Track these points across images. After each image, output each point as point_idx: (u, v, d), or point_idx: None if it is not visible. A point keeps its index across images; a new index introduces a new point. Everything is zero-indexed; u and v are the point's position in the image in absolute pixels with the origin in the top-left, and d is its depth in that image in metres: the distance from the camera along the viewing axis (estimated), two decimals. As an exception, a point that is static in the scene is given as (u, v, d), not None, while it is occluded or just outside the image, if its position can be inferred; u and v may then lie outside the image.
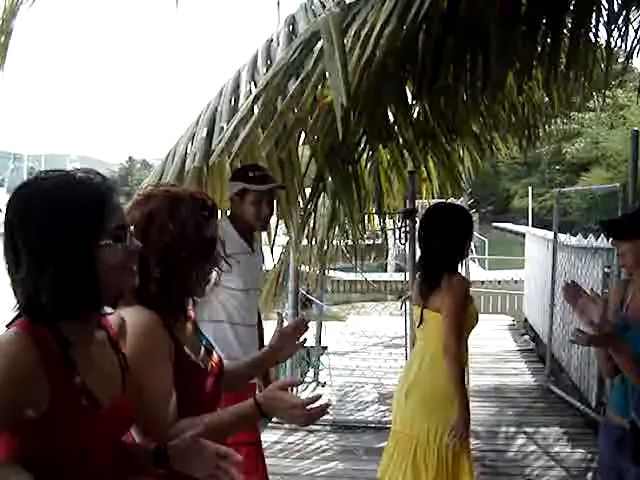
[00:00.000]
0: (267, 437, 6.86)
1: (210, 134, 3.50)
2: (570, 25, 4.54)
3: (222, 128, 3.47)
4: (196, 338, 2.41)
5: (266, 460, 6.33)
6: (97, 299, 1.81)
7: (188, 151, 3.70)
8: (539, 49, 4.38)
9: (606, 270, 8.26)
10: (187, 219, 2.21)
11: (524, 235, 16.22)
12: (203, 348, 2.41)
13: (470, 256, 19.43)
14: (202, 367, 2.34)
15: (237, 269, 3.45)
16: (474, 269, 18.61)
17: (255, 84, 3.61)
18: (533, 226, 22.66)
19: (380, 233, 6.72)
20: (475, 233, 23.15)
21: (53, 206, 1.70)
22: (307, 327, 2.87)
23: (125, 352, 2.04)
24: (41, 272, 1.69)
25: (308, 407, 2.20)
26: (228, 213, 4.03)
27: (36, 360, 1.67)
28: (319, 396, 2.28)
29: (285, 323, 7.93)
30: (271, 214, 3.99)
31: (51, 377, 1.69)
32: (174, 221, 2.18)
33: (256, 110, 3.15)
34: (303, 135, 3.68)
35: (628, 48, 4.32)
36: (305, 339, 2.84)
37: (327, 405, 2.25)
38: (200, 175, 3.53)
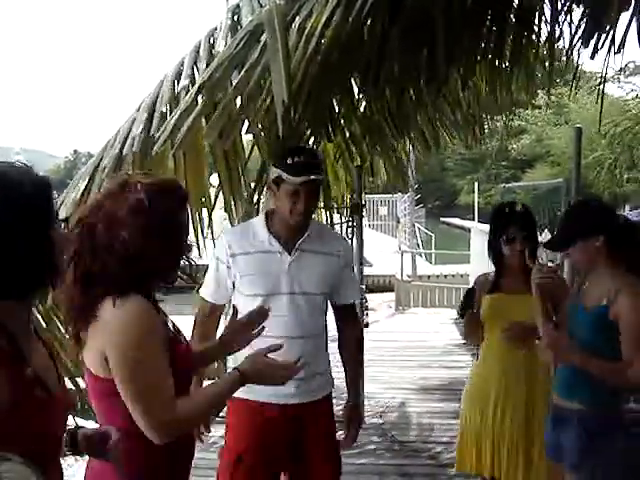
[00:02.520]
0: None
1: (150, 120, 3.46)
2: (514, 21, 4.60)
3: (162, 113, 3.43)
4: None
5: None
6: (46, 280, 1.86)
7: (128, 137, 3.64)
8: (483, 45, 4.43)
9: (549, 264, 8.40)
10: (163, 208, 2.25)
11: (470, 230, 16.42)
12: (172, 326, 2.45)
13: (416, 251, 19.64)
14: (188, 346, 2.46)
15: (253, 269, 3.37)
16: (421, 263, 18.78)
17: (198, 71, 3.58)
18: (479, 221, 22.91)
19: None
20: (422, 228, 23.43)
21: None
22: (266, 316, 2.86)
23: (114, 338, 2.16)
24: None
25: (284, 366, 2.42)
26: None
27: None
28: (279, 345, 2.50)
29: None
30: (309, 209, 3.42)
31: (5, 371, 1.69)
32: (151, 210, 2.22)
33: (200, 100, 3.12)
34: (247, 125, 3.63)
35: (568, 45, 4.38)
36: (263, 328, 2.82)
37: (298, 359, 2.45)
38: (142, 161, 3.47)
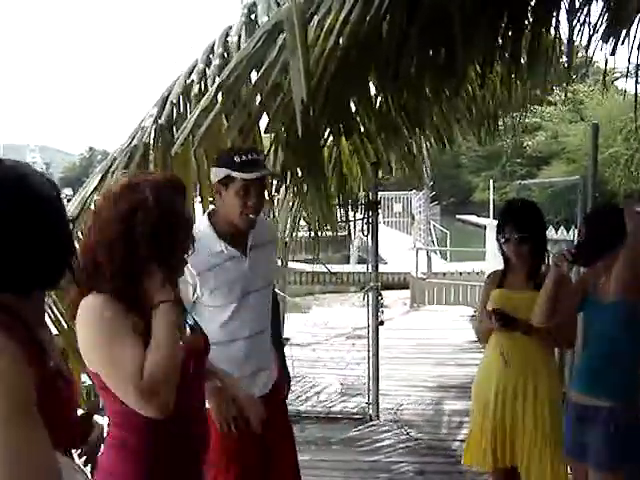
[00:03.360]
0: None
1: (170, 121, 3.48)
2: (531, 18, 4.59)
3: (172, 108, 3.44)
4: (181, 318, 2.49)
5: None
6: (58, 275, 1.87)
7: (145, 133, 3.66)
8: (500, 42, 4.43)
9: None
10: (170, 204, 2.34)
11: (485, 227, 16.36)
12: (188, 328, 2.53)
13: (431, 248, 19.60)
14: (182, 346, 2.41)
15: (220, 282, 3.33)
16: (436, 261, 18.73)
17: (212, 68, 3.58)
18: (494, 218, 22.85)
19: (343, 224, 6.72)
20: (437, 225, 23.40)
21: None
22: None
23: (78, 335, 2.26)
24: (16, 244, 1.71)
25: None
26: (206, 210, 3.67)
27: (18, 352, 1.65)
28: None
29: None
30: (260, 207, 3.39)
31: (33, 365, 1.69)
32: (160, 207, 2.29)
33: (219, 99, 3.13)
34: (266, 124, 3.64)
35: (585, 42, 4.37)
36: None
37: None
38: (164, 160, 3.48)
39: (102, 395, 2.36)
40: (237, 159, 3.23)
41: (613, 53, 4.05)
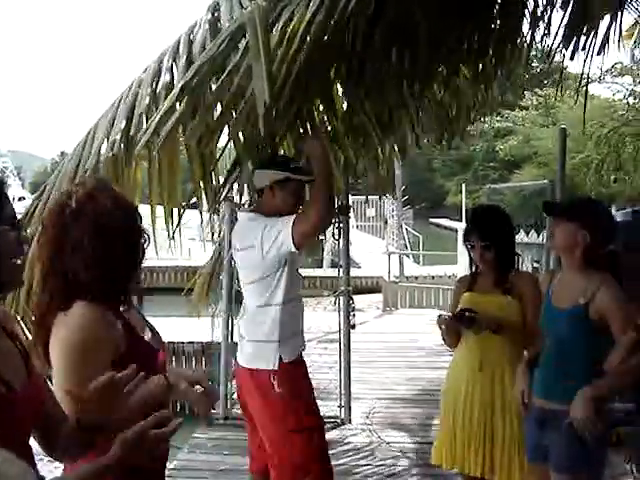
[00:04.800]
0: (202, 433, 6.85)
1: (129, 122, 3.46)
2: (498, 23, 4.62)
3: (141, 115, 3.44)
4: (140, 319, 2.59)
5: (199, 457, 6.37)
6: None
7: (105, 139, 3.65)
8: (466, 46, 4.46)
9: (535, 265, 8.46)
10: (128, 206, 2.47)
11: (457, 231, 16.45)
12: (148, 329, 2.59)
13: (404, 252, 19.67)
14: (153, 347, 2.53)
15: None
16: (409, 265, 18.81)
17: (177, 69, 3.58)
18: (467, 222, 22.94)
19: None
20: (409, 229, 23.46)
21: None
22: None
23: (56, 343, 2.30)
24: None
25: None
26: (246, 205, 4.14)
27: None
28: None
29: (219, 321, 7.92)
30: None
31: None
32: (118, 221, 2.38)
33: (178, 106, 3.13)
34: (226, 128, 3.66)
35: (549, 47, 4.41)
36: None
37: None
38: (117, 162, 3.49)
39: None
40: (292, 165, 3.91)
41: (572, 58, 4.11)
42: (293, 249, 3.81)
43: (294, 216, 3.81)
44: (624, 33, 5.12)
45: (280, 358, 3.98)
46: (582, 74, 4.38)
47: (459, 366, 4.31)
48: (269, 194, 3.94)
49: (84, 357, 2.30)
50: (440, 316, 4.20)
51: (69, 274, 2.35)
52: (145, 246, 2.53)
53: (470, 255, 4.30)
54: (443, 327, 4.21)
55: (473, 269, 4.36)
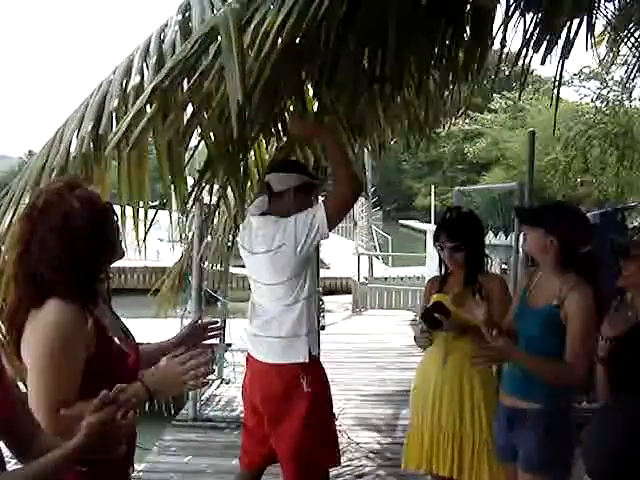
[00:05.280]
0: (170, 435, 6.83)
1: (98, 121, 3.45)
2: (470, 26, 4.64)
3: (111, 111, 3.43)
4: (115, 321, 2.60)
5: (167, 458, 6.34)
6: None
7: (74, 138, 3.63)
8: (437, 50, 4.48)
9: (503, 266, 8.52)
10: (97, 205, 2.45)
11: (426, 232, 16.51)
12: (121, 331, 2.59)
13: (374, 253, 19.73)
14: (124, 350, 2.52)
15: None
16: (378, 266, 18.87)
17: (148, 69, 3.56)
18: (435, 224, 23.06)
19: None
20: (379, 230, 23.53)
21: None
22: (219, 329, 3.03)
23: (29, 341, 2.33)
24: None
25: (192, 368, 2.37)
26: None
27: None
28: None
29: (188, 321, 7.88)
30: None
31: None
32: (86, 221, 2.38)
33: (149, 108, 3.12)
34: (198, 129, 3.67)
35: (518, 50, 4.45)
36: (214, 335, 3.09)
37: (211, 351, 2.46)
38: (86, 161, 3.48)
39: None
40: (313, 172, 4.43)
41: (543, 62, 4.14)
42: (327, 232, 3.96)
43: (321, 200, 4.11)
44: (594, 38, 5.18)
45: (309, 351, 4.07)
46: (555, 78, 4.41)
47: (427, 365, 4.35)
48: (289, 197, 4.07)
49: (60, 356, 2.31)
50: (416, 320, 4.23)
51: (37, 273, 2.35)
52: (119, 246, 2.55)
53: (440, 256, 4.34)
54: (418, 326, 4.28)
55: (443, 270, 4.40)
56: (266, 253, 4.07)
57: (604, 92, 20.62)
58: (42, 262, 2.35)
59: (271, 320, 4.16)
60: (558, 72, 4.29)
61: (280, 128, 4.48)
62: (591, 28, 4.37)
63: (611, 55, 8.65)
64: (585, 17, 4.18)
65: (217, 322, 3.09)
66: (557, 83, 4.45)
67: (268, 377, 4.15)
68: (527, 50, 4.35)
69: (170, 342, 3.00)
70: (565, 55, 4.13)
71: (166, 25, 3.75)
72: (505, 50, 4.83)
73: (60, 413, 2.26)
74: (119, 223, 2.63)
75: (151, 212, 3.82)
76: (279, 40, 3.04)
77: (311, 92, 4.46)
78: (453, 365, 4.19)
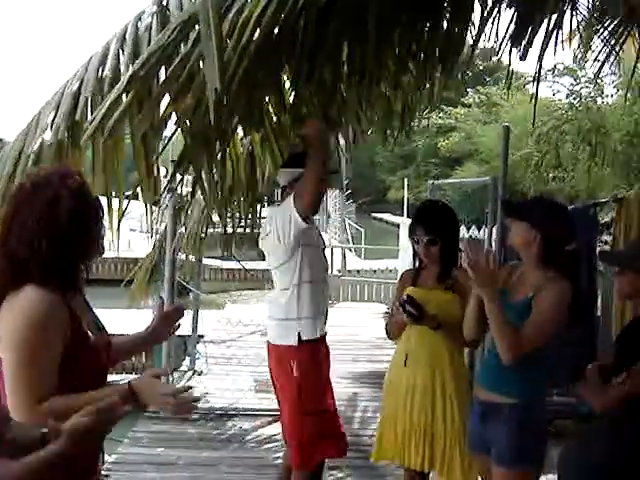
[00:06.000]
0: (142, 427, 6.79)
1: (73, 110, 3.42)
2: (446, 20, 4.65)
3: (87, 99, 3.40)
4: (87, 312, 2.56)
5: (139, 449, 6.31)
6: None
7: (49, 124, 3.60)
8: (414, 44, 4.49)
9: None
10: (81, 193, 2.42)
11: (399, 226, 16.55)
12: (94, 324, 2.56)
13: (346, 245, 19.75)
14: (94, 342, 2.48)
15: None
16: (350, 258, 18.88)
17: (124, 57, 3.53)
18: (408, 217, 23.13)
19: (257, 221, 6.69)
20: (352, 223, 23.56)
21: None
22: (183, 312, 3.05)
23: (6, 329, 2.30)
24: None
25: (178, 396, 2.34)
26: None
27: None
28: (189, 387, 2.49)
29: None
30: None
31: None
32: (73, 197, 2.37)
33: (124, 97, 3.10)
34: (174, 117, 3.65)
35: (496, 46, 4.46)
36: (180, 324, 3.02)
37: (197, 398, 2.41)
38: (61, 149, 3.45)
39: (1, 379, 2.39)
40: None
41: (523, 58, 4.16)
42: (302, 223, 4.19)
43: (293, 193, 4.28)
44: (566, 35, 5.22)
45: (299, 336, 4.32)
46: (532, 73, 4.44)
47: (399, 359, 4.34)
48: (290, 190, 4.35)
49: (39, 347, 2.29)
50: (388, 312, 4.22)
51: (14, 255, 2.34)
52: (100, 243, 2.53)
53: (415, 249, 4.33)
54: (390, 316, 4.28)
55: (417, 264, 4.39)
56: (263, 238, 4.55)
57: (577, 88, 20.78)
58: (20, 244, 2.33)
59: (271, 302, 4.56)
60: (537, 67, 4.31)
61: (258, 119, 4.48)
62: (569, 24, 4.40)
63: (584, 51, 8.71)
64: (565, 13, 4.21)
65: (182, 307, 3.06)
66: (537, 78, 4.48)
67: (271, 358, 4.56)
68: (505, 45, 4.37)
69: (142, 334, 2.98)
70: (543, 50, 4.15)
71: (142, 13, 3.72)
72: (480, 45, 4.85)
73: (41, 406, 2.25)
74: (104, 221, 2.60)
75: (123, 202, 3.81)
76: (257, 30, 3.03)
77: (288, 84, 4.46)
78: (424, 360, 4.20)
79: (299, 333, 4.31)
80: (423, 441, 4.17)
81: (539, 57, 4.13)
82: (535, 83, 4.65)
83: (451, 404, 4.15)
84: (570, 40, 7.85)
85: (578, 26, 6.66)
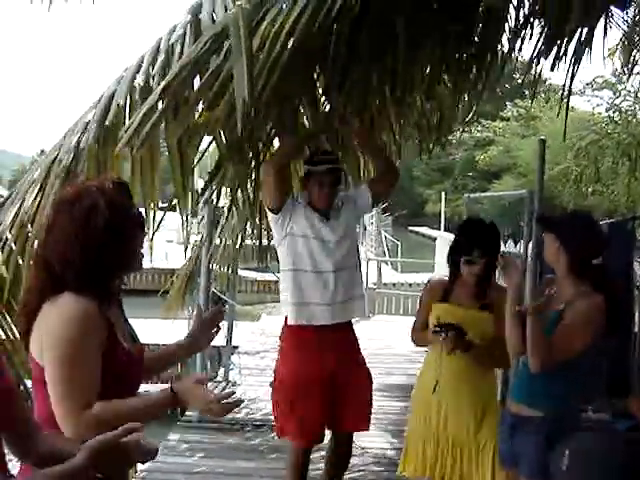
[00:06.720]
0: (174, 436, 6.82)
1: (106, 115, 3.46)
2: (479, 32, 4.64)
3: (118, 109, 3.44)
4: (123, 323, 2.56)
5: (172, 459, 6.34)
6: None
7: (86, 131, 3.65)
8: (449, 54, 4.48)
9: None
10: (121, 204, 2.43)
11: (435, 239, 16.46)
12: (129, 335, 2.56)
13: (383, 258, 19.70)
14: (131, 353, 2.49)
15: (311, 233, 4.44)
16: (387, 271, 18.83)
17: (154, 69, 3.57)
18: (448, 230, 23.02)
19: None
20: (388, 236, 23.51)
21: None
22: (223, 316, 3.11)
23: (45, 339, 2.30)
24: None
25: (222, 402, 2.35)
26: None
27: None
28: (232, 392, 2.48)
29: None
30: (331, 195, 4.49)
31: None
32: (111, 209, 2.37)
33: (160, 105, 3.13)
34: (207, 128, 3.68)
35: (529, 57, 4.43)
36: (219, 327, 3.03)
37: (240, 400, 2.45)
38: (97, 157, 3.50)
39: (35, 387, 2.41)
40: (315, 158, 4.46)
41: (552, 69, 4.13)
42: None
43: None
44: (609, 49, 5.20)
45: (286, 317, 4.61)
46: (565, 85, 4.40)
47: (430, 373, 4.31)
48: (305, 187, 4.56)
49: (80, 356, 2.31)
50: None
51: (53, 265, 2.36)
52: (137, 259, 2.55)
53: (456, 266, 4.22)
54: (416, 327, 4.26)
55: (451, 278, 4.30)
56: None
57: (617, 102, 20.57)
58: (56, 254, 2.36)
59: None
60: (568, 79, 4.28)
61: (291, 129, 4.50)
62: (604, 37, 4.37)
63: (624, 65, 8.63)
64: (597, 25, 4.17)
65: (221, 310, 3.10)
66: (567, 90, 4.43)
67: None
68: (538, 57, 4.34)
69: (180, 342, 2.98)
70: (577, 61, 4.12)
71: (175, 27, 3.76)
72: (519, 58, 4.83)
73: (88, 413, 2.26)
74: (145, 237, 2.63)
75: (159, 213, 3.84)
76: (290, 41, 3.05)
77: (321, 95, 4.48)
78: (454, 382, 4.16)
79: (287, 315, 4.60)
80: (452, 456, 4.14)
81: (569, 70, 4.10)
82: (565, 95, 4.59)
83: (481, 421, 4.11)
84: (613, 54, 7.81)
85: (621, 40, 6.62)
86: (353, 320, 4.93)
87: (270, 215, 4.52)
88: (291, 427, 4.67)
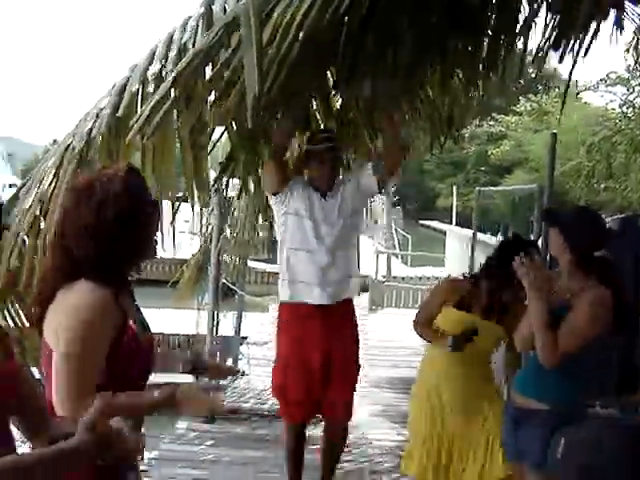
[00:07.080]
0: (183, 424, 6.86)
1: (118, 104, 3.48)
2: (492, 28, 4.64)
3: (131, 97, 3.46)
4: (134, 311, 2.57)
5: (180, 447, 6.38)
6: None
7: (98, 119, 3.67)
8: (460, 47, 4.47)
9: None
10: (137, 191, 2.45)
11: (446, 233, 16.46)
12: (139, 323, 2.56)
13: (393, 252, 19.71)
14: (141, 342, 2.50)
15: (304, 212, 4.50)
16: (396, 265, 18.83)
17: (167, 60, 3.59)
18: (459, 225, 22.98)
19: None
20: (399, 229, 23.48)
21: None
22: (234, 374, 3.13)
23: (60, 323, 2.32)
24: None
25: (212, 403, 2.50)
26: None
27: None
28: (238, 407, 2.51)
29: (205, 314, 7.94)
30: (332, 174, 4.61)
31: None
32: (128, 195, 2.39)
33: (172, 94, 3.14)
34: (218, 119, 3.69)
35: (543, 52, 4.42)
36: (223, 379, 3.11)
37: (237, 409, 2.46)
38: (109, 146, 3.52)
39: (48, 373, 2.41)
40: (315, 137, 4.58)
41: (560, 61, 4.13)
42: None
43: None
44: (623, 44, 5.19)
45: (280, 295, 4.86)
46: (569, 79, 4.39)
47: (435, 370, 4.34)
48: (304, 167, 4.74)
49: (90, 343, 2.33)
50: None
51: (70, 251, 2.39)
52: (151, 246, 2.57)
53: (490, 278, 4.19)
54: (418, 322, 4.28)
55: (474, 283, 4.29)
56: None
57: (631, 97, 20.45)
58: (72, 242, 2.38)
59: None
60: (573, 71, 4.26)
61: (302, 122, 4.52)
62: (617, 30, 4.34)
63: (637, 61, 8.58)
64: (608, 18, 4.16)
65: (235, 370, 3.20)
66: (571, 82, 4.40)
67: None
68: (547, 50, 4.33)
69: (187, 357, 3.01)
70: (586, 53, 4.11)
71: (189, 18, 3.78)
72: (531, 52, 4.81)
73: (86, 401, 2.27)
74: (160, 224, 2.66)
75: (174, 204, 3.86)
76: (300, 33, 3.06)
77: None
78: (459, 380, 4.19)
79: (281, 293, 4.85)
80: (457, 456, 4.16)
81: (575, 60, 4.09)
82: (564, 88, 4.59)
83: (483, 422, 4.14)
84: (627, 50, 7.76)
85: (635, 34, 6.58)
86: (363, 311, 4.98)
87: (272, 199, 4.62)
88: (282, 405, 4.86)
